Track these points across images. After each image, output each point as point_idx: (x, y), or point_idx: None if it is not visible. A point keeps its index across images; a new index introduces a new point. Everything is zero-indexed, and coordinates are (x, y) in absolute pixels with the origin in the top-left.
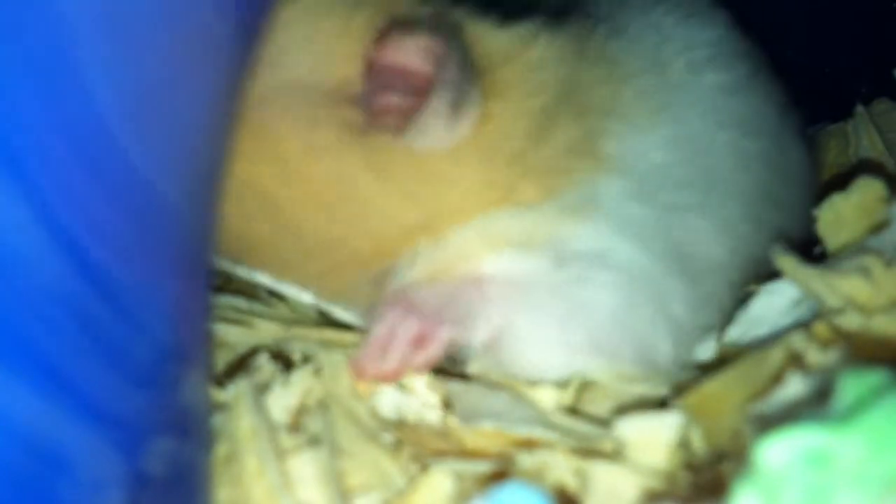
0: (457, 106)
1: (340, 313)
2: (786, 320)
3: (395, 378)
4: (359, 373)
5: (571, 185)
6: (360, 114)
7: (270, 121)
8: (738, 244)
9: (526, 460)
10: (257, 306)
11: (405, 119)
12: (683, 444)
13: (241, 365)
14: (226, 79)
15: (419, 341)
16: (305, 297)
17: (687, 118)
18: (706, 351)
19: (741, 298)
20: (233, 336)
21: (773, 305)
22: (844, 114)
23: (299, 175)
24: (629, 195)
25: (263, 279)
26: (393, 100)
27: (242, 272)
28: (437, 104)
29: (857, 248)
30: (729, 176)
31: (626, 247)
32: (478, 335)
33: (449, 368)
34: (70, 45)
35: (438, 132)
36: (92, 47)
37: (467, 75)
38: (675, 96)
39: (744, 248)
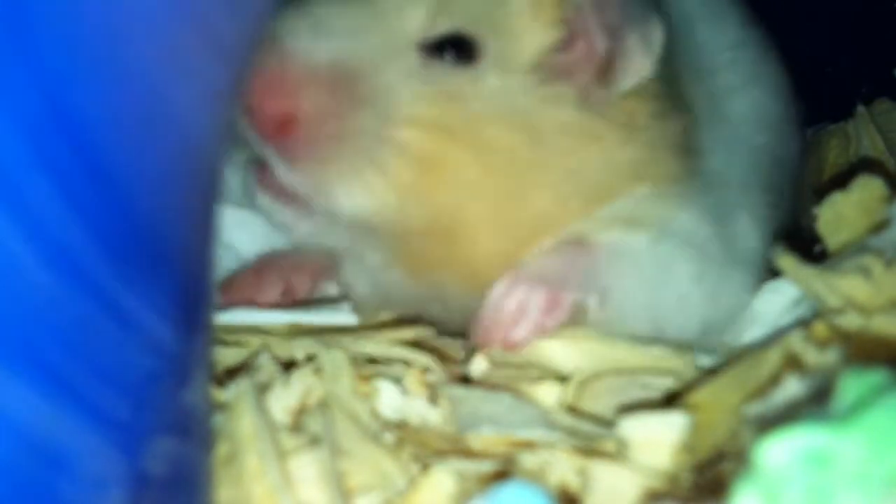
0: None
1: (321, 319)
2: (786, 319)
3: (525, 345)
4: (489, 342)
5: (678, 176)
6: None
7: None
8: (766, 234)
9: (527, 460)
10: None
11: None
12: (685, 444)
13: (242, 365)
14: (227, 81)
15: (549, 308)
16: (283, 317)
17: (736, 121)
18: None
19: None
20: (228, 356)
21: (773, 304)
22: (845, 114)
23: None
24: (706, 190)
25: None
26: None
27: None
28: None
29: (857, 248)
30: (762, 174)
31: (707, 232)
32: (592, 298)
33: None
34: (69, 47)
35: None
36: (93, 49)
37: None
38: (726, 101)
39: (769, 237)
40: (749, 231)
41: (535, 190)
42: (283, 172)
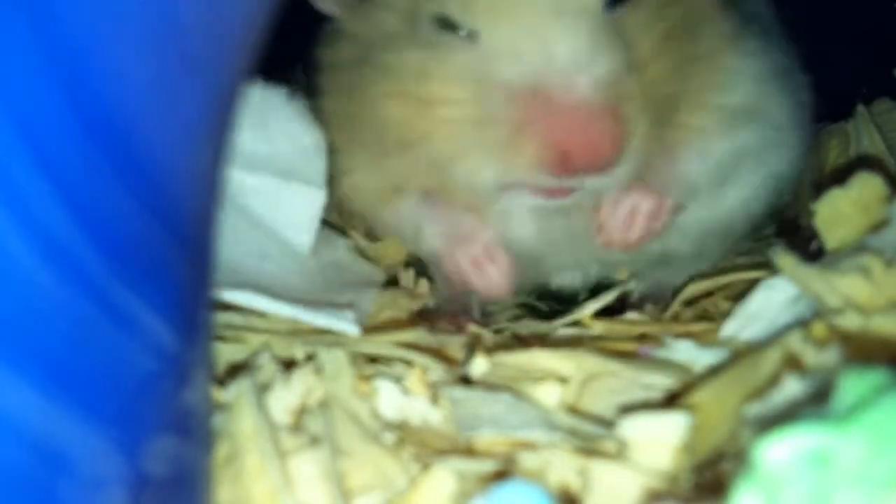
0: None
1: (323, 321)
2: (784, 316)
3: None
4: (610, 243)
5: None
6: None
7: None
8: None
9: (528, 460)
10: (253, 320)
11: None
12: (685, 444)
13: (242, 364)
14: (230, 82)
15: (655, 213)
16: (285, 311)
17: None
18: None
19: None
20: (228, 354)
21: (771, 301)
22: (845, 114)
23: None
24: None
25: (240, 298)
26: None
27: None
28: None
29: (856, 247)
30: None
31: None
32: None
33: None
34: (71, 46)
35: None
36: (94, 49)
37: None
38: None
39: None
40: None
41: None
42: (594, 181)
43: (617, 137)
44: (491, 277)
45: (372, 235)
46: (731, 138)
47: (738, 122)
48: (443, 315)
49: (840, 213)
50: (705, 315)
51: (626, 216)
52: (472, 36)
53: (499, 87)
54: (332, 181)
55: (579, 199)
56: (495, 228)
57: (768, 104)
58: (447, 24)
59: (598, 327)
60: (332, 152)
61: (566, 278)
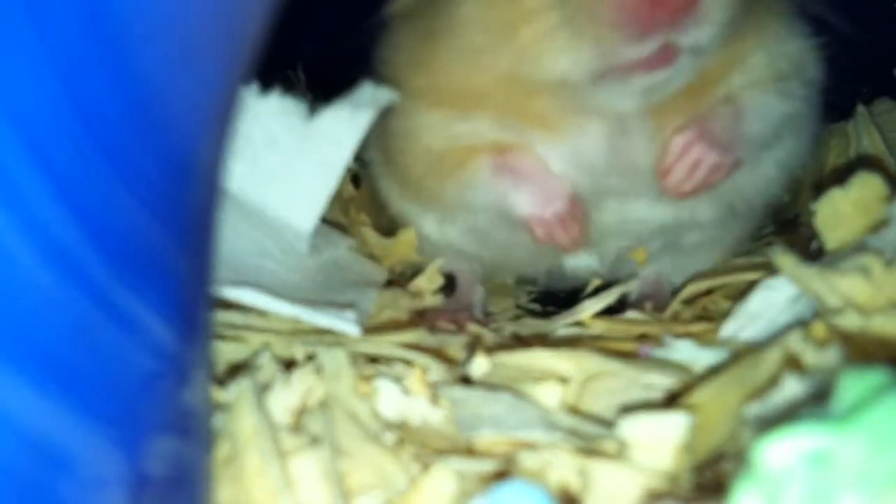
0: None
1: (323, 321)
2: (784, 316)
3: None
4: (669, 188)
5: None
6: None
7: None
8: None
9: (528, 460)
10: (253, 319)
11: None
12: (685, 444)
13: (242, 363)
14: (230, 81)
15: (716, 167)
16: (285, 309)
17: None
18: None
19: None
20: (228, 353)
21: (771, 301)
22: (845, 114)
23: None
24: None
25: (241, 297)
26: None
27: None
28: None
29: (856, 247)
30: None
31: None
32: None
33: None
34: (71, 46)
35: None
36: (94, 48)
37: None
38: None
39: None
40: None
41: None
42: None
43: None
44: (575, 234)
45: (382, 231)
46: (785, 99)
47: (789, 83)
48: (443, 314)
49: (840, 213)
50: (705, 315)
51: (690, 164)
52: None
53: None
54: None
55: (680, 71)
56: (567, 155)
57: (809, 73)
58: None
59: (598, 327)
60: (389, 124)
61: (581, 262)
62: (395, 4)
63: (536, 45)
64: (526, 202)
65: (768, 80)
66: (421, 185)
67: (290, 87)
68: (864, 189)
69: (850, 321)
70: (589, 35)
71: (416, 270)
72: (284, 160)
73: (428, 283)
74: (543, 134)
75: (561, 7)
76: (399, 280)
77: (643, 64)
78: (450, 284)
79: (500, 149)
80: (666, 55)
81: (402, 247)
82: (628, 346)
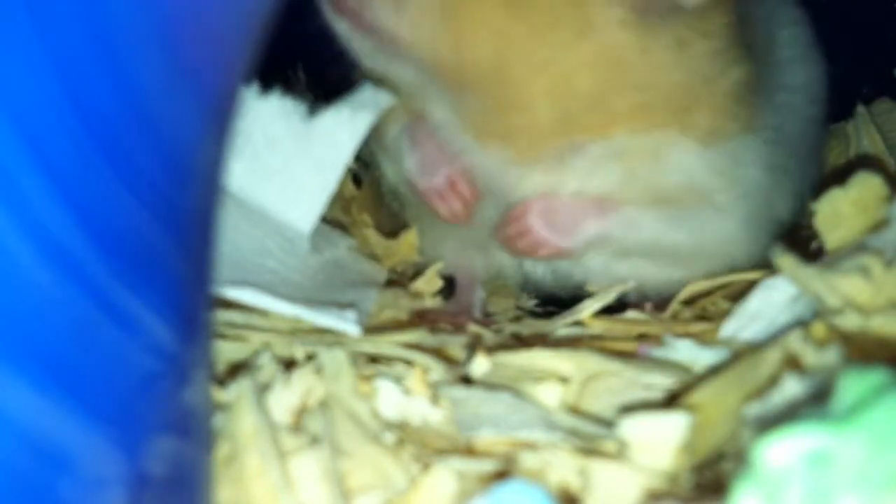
0: None
1: (324, 321)
2: (784, 316)
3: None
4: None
5: (728, 135)
6: None
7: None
8: (796, 208)
9: (528, 459)
10: (254, 319)
11: None
12: (685, 444)
13: (242, 363)
14: (231, 80)
15: (539, 245)
16: (286, 309)
17: (793, 91)
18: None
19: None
20: (228, 352)
21: (770, 301)
22: (845, 114)
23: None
24: (759, 146)
25: (242, 296)
26: None
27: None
28: None
29: (856, 247)
30: (808, 144)
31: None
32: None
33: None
34: (72, 45)
35: None
36: (95, 48)
37: None
38: (785, 71)
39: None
40: (784, 202)
41: (581, 70)
42: None
43: None
44: (452, 207)
45: (384, 231)
46: (669, 229)
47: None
48: (443, 316)
49: (840, 213)
50: (705, 315)
51: (518, 231)
52: None
53: None
54: None
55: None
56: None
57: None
58: None
59: (598, 327)
60: None
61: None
62: None
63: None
64: (414, 168)
65: (647, 197)
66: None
67: (290, 86)
68: (864, 189)
69: (850, 321)
70: None
71: (418, 271)
72: (284, 161)
73: (427, 285)
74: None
75: None
76: (400, 280)
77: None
78: (450, 286)
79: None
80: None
81: (405, 247)
82: (628, 346)
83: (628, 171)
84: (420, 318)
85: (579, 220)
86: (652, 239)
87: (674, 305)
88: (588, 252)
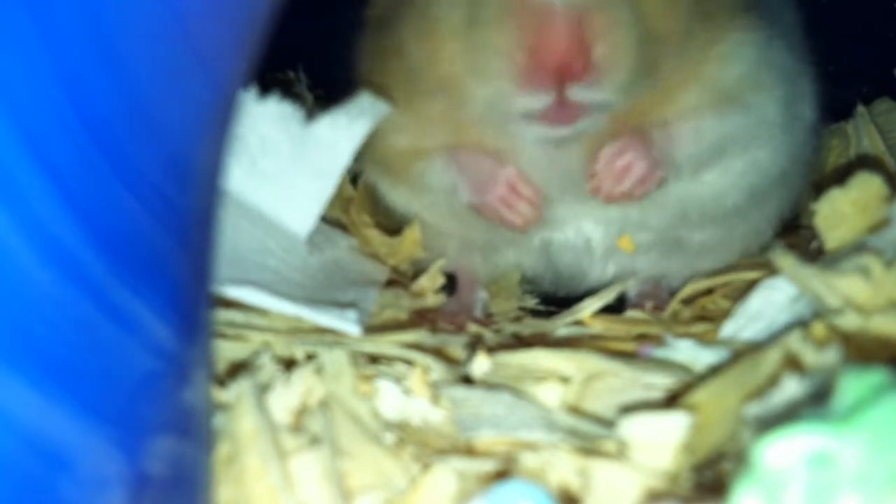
0: None
1: (325, 320)
2: (784, 316)
3: (622, 200)
4: (597, 191)
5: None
6: None
7: None
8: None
9: (528, 459)
10: (254, 318)
11: None
12: (685, 444)
13: (242, 363)
14: (231, 80)
15: (644, 178)
16: (287, 308)
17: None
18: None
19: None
20: (228, 352)
21: (771, 301)
22: (845, 114)
23: None
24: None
25: (243, 295)
26: None
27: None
28: None
29: (856, 247)
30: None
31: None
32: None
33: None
34: (70, 46)
35: None
36: (95, 48)
37: None
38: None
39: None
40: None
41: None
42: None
43: (587, 43)
44: (522, 211)
45: (386, 230)
46: (723, 121)
47: (731, 106)
48: (443, 315)
49: (840, 213)
50: (705, 314)
51: (617, 170)
52: None
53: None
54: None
55: (580, 129)
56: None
57: (761, 93)
58: None
59: (599, 327)
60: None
61: (574, 257)
62: (372, 8)
63: (453, 83)
64: (470, 190)
65: (705, 105)
66: (389, 166)
67: (290, 86)
68: (864, 189)
69: (850, 321)
70: (491, 74)
71: (419, 270)
72: (281, 166)
73: (430, 281)
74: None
75: (472, 52)
76: (401, 279)
77: (544, 116)
78: (452, 284)
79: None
80: (567, 112)
81: (408, 245)
82: (629, 346)
83: (694, 74)
84: (420, 317)
85: (661, 146)
86: (715, 144)
87: (674, 305)
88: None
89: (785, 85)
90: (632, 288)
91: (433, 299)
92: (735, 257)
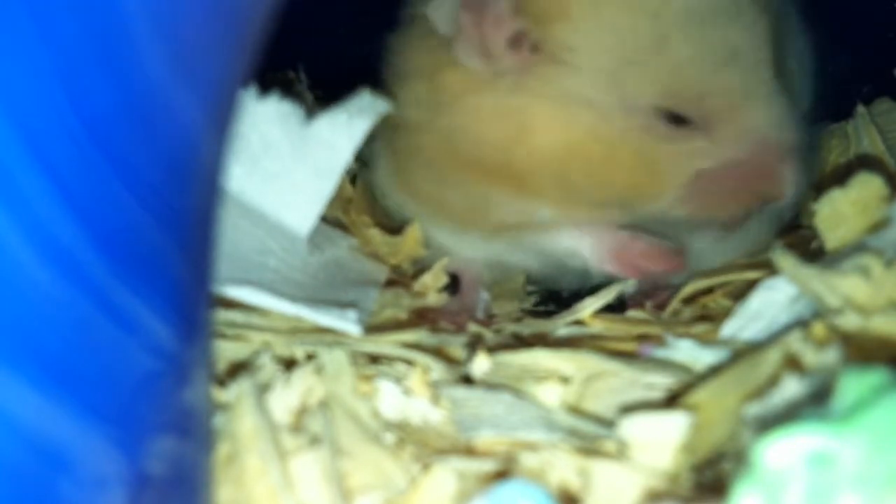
0: None
1: (325, 320)
2: (785, 316)
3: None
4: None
5: None
6: None
7: None
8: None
9: (528, 459)
10: (254, 318)
11: None
12: (685, 444)
13: (243, 363)
14: (231, 79)
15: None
16: (287, 308)
17: None
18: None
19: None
20: (228, 352)
21: (771, 301)
22: (845, 114)
23: None
24: None
25: (243, 295)
26: None
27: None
28: None
29: (856, 247)
30: None
31: None
32: None
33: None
34: (70, 46)
35: None
36: (95, 48)
37: None
38: None
39: None
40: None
41: None
42: None
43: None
44: (668, 257)
45: (387, 228)
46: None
47: None
48: (444, 315)
49: (840, 213)
50: (706, 314)
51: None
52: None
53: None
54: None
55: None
56: None
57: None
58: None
59: (599, 326)
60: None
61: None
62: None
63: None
64: (604, 256)
65: None
66: (477, 235)
67: (290, 86)
68: (864, 189)
69: (850, 321)
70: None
71: (419, 270)
72: (281, 165)
73: (433, 280)
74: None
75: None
76: (401, 279)
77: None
78: (454, 283)
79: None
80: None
81: (410, 243)
82: (629, 346)
83: None
84: (421, 317)
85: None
86: None
87: (674, 304)
88: None
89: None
90: (630, 286)
91: (435, 298)
92: (735, 257)
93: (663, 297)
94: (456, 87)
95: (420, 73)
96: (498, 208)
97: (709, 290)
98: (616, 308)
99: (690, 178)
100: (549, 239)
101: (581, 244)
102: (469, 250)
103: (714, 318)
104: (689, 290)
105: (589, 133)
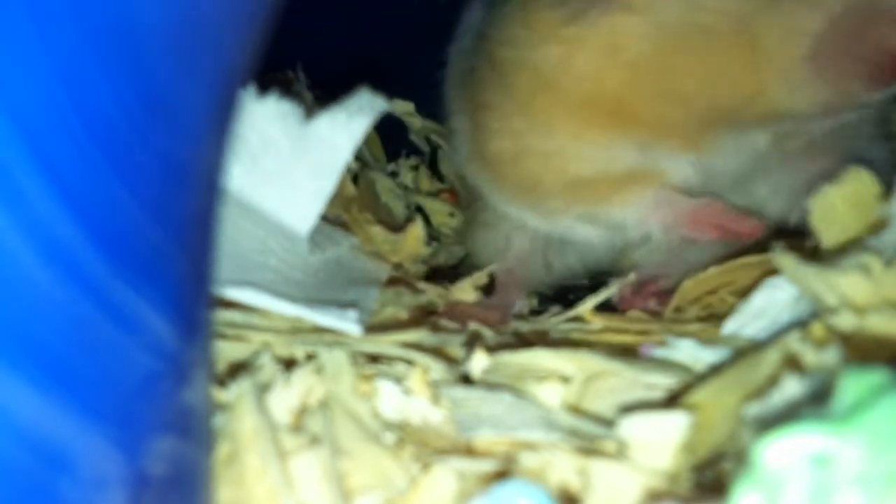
0: None
1: (325, 320)
2: (787, 315)
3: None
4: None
5: None
6: None
7: None
8: None
9: (528, 459)
10: (254, 318)
11: None
12: (685, 444)
13: (242, 363)
14: (231, 78)
15: None
16: (287, 309)
17: None
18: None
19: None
20: (228, 352)
21: (774, 300)
22: None
23: None
24: None
25: (243, 296)
26: None
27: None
28: None
29: (855, 247)
30: None
31: None
32: None
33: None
34: (70, 46)
35: None
36: (95, 48)
37: None
38: None
39: None
40: None
41: None
42: None
43: None
44: (741, 224)
45: (389, 226)
46: None
47: None
48: (476, 310)
49: (834, 209)
50: (709, 312)
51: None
52: None
53: None
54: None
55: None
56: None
57: None
58: None
59: (600, 325)
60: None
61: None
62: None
63: (776, 80)
64: (682, 226)
65: None
66: (549, 200)
67: (290, 86)
68: (857, 185)
69: (850, 321)
70: (835, 76)
71: (423, 271)
72: (281, 164)
73: (475, 279)
74: (680, 151)
75: (812, 43)
76: (402, 278)
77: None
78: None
79: (643, 178)
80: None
81: (411, 241)
82: (629, 345)
83: None
84: (450, 311)
85: None
86: None
87: (675, 302)
88: None
89: None
90: (631, 281)
91: (472, 295)
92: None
93: (653, 290)
94: (550, 20)
95: (515, 11)
96: (581, 157)
97: (713, 290)
98: (616, 308)
99: (809, 50)
100: (620, 206)
101: (652, 209)
102: (540, 220)
103: (717, 315)
104: (691, 288)
105: (686, 25)
